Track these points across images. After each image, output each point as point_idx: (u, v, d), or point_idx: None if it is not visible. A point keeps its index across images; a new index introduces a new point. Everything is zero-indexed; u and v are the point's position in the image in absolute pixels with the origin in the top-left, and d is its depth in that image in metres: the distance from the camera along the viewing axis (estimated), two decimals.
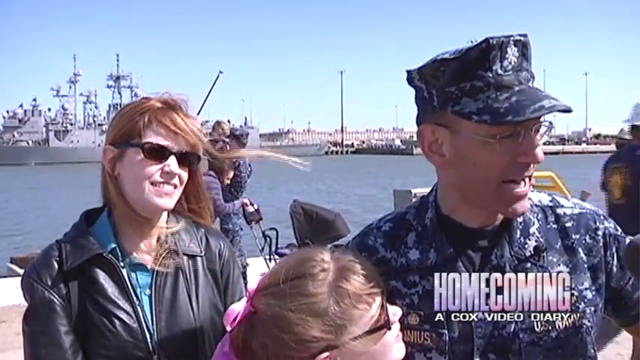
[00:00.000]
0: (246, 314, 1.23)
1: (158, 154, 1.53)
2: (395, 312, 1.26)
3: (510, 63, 1.23)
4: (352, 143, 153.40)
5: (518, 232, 1.35)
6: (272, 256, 7.88)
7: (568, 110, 1.22)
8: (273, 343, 1.17)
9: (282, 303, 1.18)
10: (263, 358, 1.20)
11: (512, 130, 1.22)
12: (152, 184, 1.53)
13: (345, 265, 1.24)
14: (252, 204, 7.40)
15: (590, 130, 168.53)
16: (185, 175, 1.58)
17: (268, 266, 7.01)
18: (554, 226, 1.39)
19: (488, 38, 1.22)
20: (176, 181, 1.55)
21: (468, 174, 1.29)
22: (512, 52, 1.23)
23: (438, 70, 1.26)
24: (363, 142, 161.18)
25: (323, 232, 7.52)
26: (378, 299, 1.24)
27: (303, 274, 1.21)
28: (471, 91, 1.23)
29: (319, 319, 1.17)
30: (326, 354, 1.17)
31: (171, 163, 1.54)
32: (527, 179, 1.28)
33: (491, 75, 1.22)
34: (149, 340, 1.52)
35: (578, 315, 1.33)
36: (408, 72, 1.33)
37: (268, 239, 8.00)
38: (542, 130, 1.27)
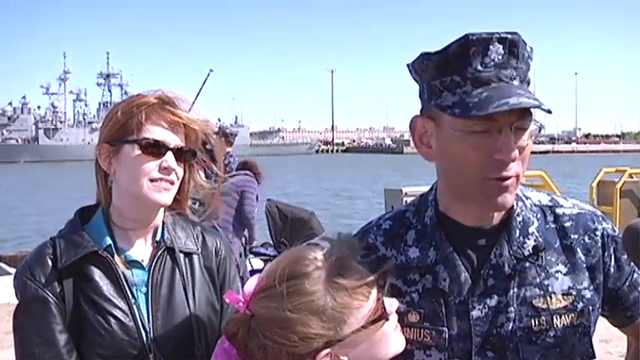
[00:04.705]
0: (243, 318, 1.24)
1: (155, 149, 1.52)
2: (391, 303, 1.27)
3: (493, 60, 1.24)
4: (343, 142, 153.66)
5: (518, 231, 1.36)
6: (246, 255, 7.87)
7: (538, 107, 1.22)
8: (274, 344, 1.18)
9: (280, 304, 1.19)
10: (263, 359, 1.21)
11: (486, 126, 1.23)
12: (150, 180, 1.51)
13: (337, 261, 1.25)
14: None
15: (579, 129, 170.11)
16: (181, 172, 1.57)
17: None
18: (553, 225, 1.39)
19: (468, 34, 1.24)
20: (173, 176, 1.54)
21: (449, 167, 1.32)
22: (495, 49, 1.24)
23: (423, 64, 1.30)
24: (354, 141, 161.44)
25: (298, 230, 7.47)
26: (374, 292, 1.25)
27: (298, 274, 1.22)
28: (450, 85, 1.26)
29: (318, 316, 1.18)
30: (327, 350, 1.18)
31: (169, 158, 1.53)
32: (513, 179, 1.27)
33: (470, 70, 1.24)
34: (145, 338, 1.51)
35: (577, 314, 1.34)
36: (407, 66, 1.37)
37: (243, 238, 8.01)
38: (532, 129, 1.27)
